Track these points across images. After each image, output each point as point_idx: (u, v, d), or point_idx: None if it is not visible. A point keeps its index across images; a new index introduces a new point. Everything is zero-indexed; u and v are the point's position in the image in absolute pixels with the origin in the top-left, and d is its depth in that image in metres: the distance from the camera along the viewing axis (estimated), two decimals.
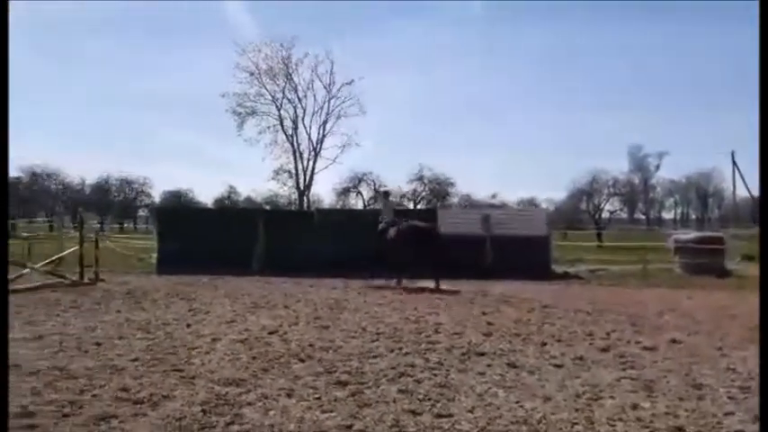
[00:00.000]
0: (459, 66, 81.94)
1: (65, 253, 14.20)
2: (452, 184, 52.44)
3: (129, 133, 79.73)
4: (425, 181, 52.29)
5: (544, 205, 47.68)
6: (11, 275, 11.73)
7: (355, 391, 4.96)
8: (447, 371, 5.70)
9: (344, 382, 5.22)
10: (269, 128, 45.42)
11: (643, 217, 67.11)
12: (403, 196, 51.78)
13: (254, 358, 6.11)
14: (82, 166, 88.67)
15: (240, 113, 44.51)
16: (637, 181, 57.95)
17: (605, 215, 46.95)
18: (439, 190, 52.20)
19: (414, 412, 4.48)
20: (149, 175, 57.44)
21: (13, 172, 47.84)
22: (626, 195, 50.37)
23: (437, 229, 14.08)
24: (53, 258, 13.93)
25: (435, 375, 5.52)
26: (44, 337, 7.09)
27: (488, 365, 5.93)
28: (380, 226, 13.91)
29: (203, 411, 4.41)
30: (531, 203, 49.30)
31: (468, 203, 48.51)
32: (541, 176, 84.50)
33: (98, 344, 6.73)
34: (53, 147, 78.94)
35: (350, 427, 4.17)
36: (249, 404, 4.63)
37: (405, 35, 75.51)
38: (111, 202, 54.32)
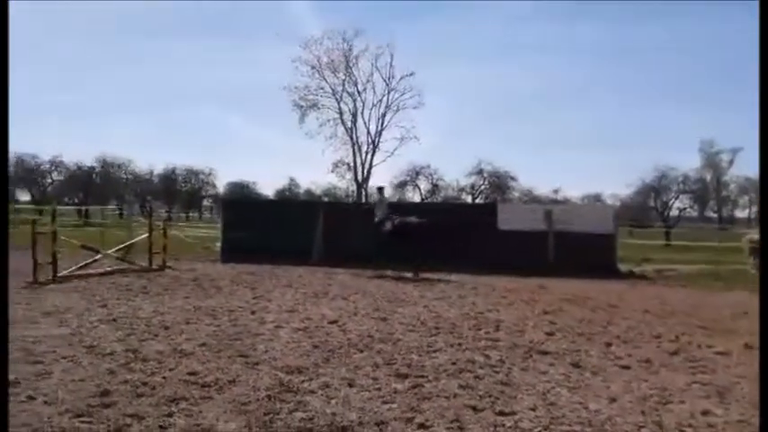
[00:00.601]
0: (524, 58, 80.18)
1: (135, 240, 14.83)
2: (513, 179, 51.52)
3: (197, 126, 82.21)
4: (485, 175, 51.60)
5: (609, 201, 46.22)
6: (86, 260, 12.39)
7: (415, 384, 4.97)
8: (509, 369, 5.62)
9: (404, 375, 5.24)
10: (329, 121, 45.90)
11: (715, 215, 63.98)
12: (461, 190, 51.35)
13: (315, 347, 6.22)
14: (151, 156, 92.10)
15: (302, 107, 45.16)
16: (708, 178, 55.24)
17: (674, 213, 45.05)
18: (499, 184, 51.39)
19: (475, 408, 4.45)
20: (214, 166, 59.09)
21: (88, 161, 50.47)
22: (697, 192, 48.12)
23: (427, 224, 14.69)
24: (124, 245, 14.58)
25: (496, 373, 5.46)
26: (117, 319, 7.46)
27: (551, 364, 5.81)
28: (376, 220, 14.98)
29: (268, 397, 4.53)
30: (597, 199, 47.83)
31: (530, 198, 47.59)
32: (607, 172, 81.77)
33: (167, 328, 7.02)
34: (126, 139, 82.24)
35: (410, 419, 4.18)
36: (311, 392, 4.71)
37: (464, 27, 74.39)
38: (178, 192, 56.29)
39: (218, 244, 17.88)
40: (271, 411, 4.23)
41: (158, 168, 54.95)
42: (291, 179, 57.71)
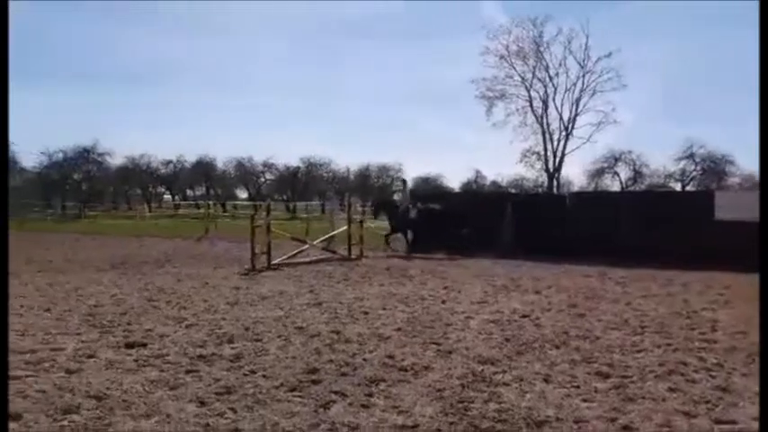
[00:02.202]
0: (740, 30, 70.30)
1: (335, 232, 15.97)
2: (731, 163, 45.73)
3: (385, 124, 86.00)
4: (696, 159, 46.51)
5: None
6: (295, 250, 13.65)
7: (618, 385, 4.63)
8: (728, 373, 4.98)
9: (605, 374, 4.91)
10: (518, 110, 45.04)
11: None
12: (669, 176, 46.84)
13: (506, 340, 6.11)
14: (347, 155, 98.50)
15: (489, 97, 44.91)
16: None
17: None
18: (714, 169, 45.95)
19: (687, 414, 4.01)
20: (402, 161, 61.32)
21: (294, 162, 55.64)
22: None
23: (448, 212, 16.40)
24: (326, 237, 15.78)
25: (713, 377, 4.87)
26: (322, 304, 8.09)
27: None
28: (401, 208, 16.79)
29: (462, 386, 4.55)
30: None
31: (752, 185, 41.76)
32: None
33: (366, 313, 7.44)
34: (326, 139, 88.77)
35: (613, 420, 3.90)
36: (505, 384, 4.64)
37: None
38: (371, 187, 59.50)
39: (409, 235, 18.48)
40: (465, 400, 4.25)
41: (354, 166, 58.60)
42: (477, 171, 57.65)
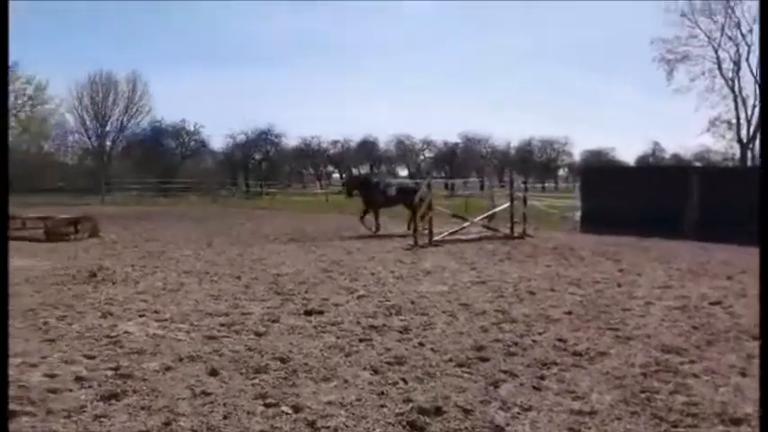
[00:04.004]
0: None
1: (497, 210, 15.67)
2: None
3: (550, 93, 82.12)
4: None
5: None
6: (455, 227, 13.66)
7: None
8: None
9: None
10: (703, 73, 40.33)
11: None
12: None
13: (694, 328, 5.56)
14: (507, 129, 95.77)
15: (669, 61, 40.74)
16: None
17: None
18: None
19: None
20: (569, 134, 58.45)
21: (453, 138, 55.68)
22: None
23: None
24: (487, 214, 15.56)
25: None
26: (486, 282, 8.00)
27: None
28: (381, 186, 15.95)
29: (643, 375, 4.23)
30: None
31: None
32: None
33: (532, 293, 7.21)
34: (483, 112, 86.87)
35: None
36: (694, 376, 4.22)
37: None
38: (534, 163, 57.64)
39: (577, 213, 17.60)
40: (648, 390, 3.94)
41: (515, 141, 57.14)
42: (655, 143, 53.10)
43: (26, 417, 3.46)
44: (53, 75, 63.23)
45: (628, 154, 55.74)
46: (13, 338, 5.16)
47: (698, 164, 42.91)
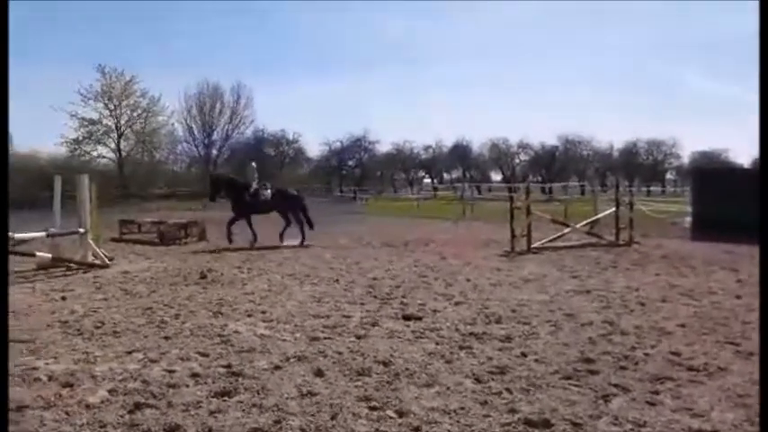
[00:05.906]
0: None
1: (600, 215, 15.00)
2: None
3: (655, 91, 77.64)
4: None
5: None
6: (553, 234, 13.22)
7: None
8: None
9: None
10: None
11: None
12: None
13: None
14: (611, 130, 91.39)
15: None
16: None
17: None
18: None
19: None
20: (677, 135, 55.10)
21: (552, 141, 54.08)
22: None
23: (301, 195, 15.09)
24: (589, 220, 14.93)
25: None
26: (591, 291, 7.67)
27: None
28: (252, 189, 14.22)
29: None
30: None
31: None
32: None
33: (642, 304, 6.84)
34: (584, 113, 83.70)
35: None
36: None
37: None
38: (639, 166, 54.81)
39: (688, 219, 16.52)
40: None
41: (619, 143, 54.68)
42: None
43: (150, 409, 3.71)
44: (157, 79, 68.01)
45: (744, 155, 51.42)
46: (135, 334, 5.61)
47: None
